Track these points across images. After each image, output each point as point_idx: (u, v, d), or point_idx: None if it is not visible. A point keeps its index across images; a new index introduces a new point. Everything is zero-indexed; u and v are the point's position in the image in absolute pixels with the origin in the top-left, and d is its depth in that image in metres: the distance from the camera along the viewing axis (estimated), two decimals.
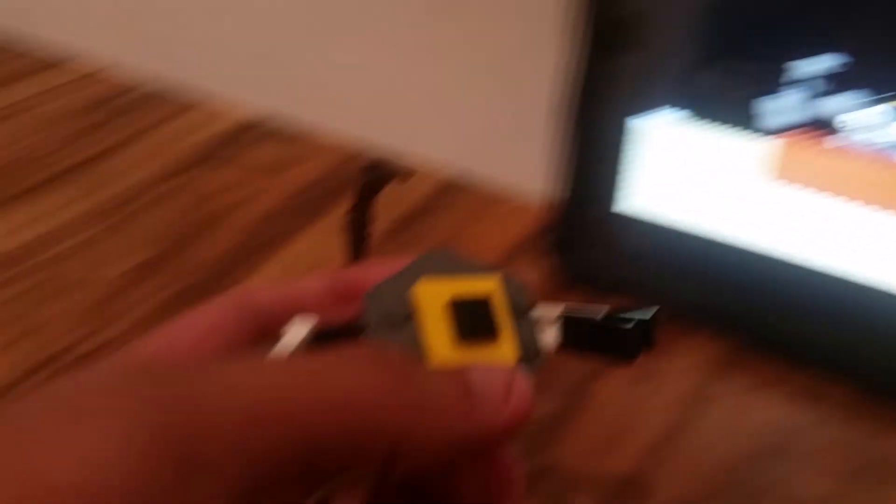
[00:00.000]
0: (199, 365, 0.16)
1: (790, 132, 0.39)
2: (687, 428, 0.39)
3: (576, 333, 0.23)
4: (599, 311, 0.24)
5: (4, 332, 0.43)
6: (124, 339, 0.42)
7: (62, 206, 0.53)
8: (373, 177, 0.28)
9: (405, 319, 0.21)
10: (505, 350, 0.21)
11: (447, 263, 0.22)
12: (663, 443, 0.38)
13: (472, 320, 0.21)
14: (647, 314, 0.23)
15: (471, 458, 0.20)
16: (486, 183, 0.56)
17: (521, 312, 0.22)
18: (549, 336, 0.24)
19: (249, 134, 0.61)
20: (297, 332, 0.21)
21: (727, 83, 0.40)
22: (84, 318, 0.44)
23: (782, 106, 0.38)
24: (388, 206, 0.53)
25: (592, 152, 0.44)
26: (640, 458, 0.37)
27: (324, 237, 0.51)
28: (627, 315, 0.23)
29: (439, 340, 0.21)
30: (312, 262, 0.49)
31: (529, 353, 0.22)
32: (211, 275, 0.47)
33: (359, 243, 0.30)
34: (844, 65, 0.37)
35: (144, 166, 0.57)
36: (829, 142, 0.38)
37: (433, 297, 0.21)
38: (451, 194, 0.56)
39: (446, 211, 0.54)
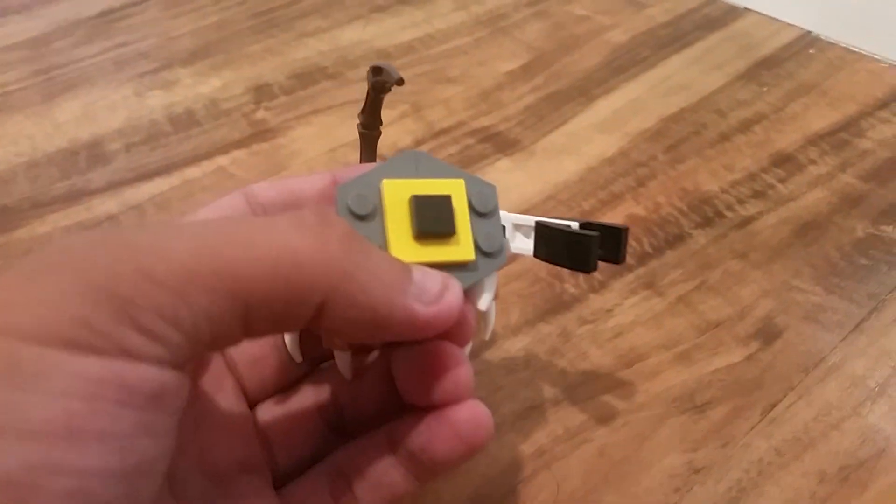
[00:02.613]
0: (141, 229, 0.17)
1: None
2: None
3: (547, 241, 0.25)
4: (571, 223, 0.25)
5: (397, 106, 0.50)
6: (506, 125, 0.48)
7: (444, 14, 0.60)
8: (379, 79, 0.28)
9: (371, 213, 0.22)
10: (462, 247, 0.22)
11: (420, 164, 0.23)
12: None
13: (431, 216, 0.22)
14: (615, 228, 0.25)
15: (402, 342, 0.22)
16: (847, 43, 0.56)
17: (483, 213, 0.23)
18: (523, 242, 0.25)
19: None
20: None
21: None
22: (472, 102, 0.50)
23: None
24: (745, 51, 0.55)
25: None
26: None
27: (683, 65, 0.54)
28: (595, 228, 0.25)
29: (399, 234, 0.22)
30: (674, 84, 0.52)
31: (487, 252, 0.23)
32: (576, 84, 0.52)
33: (369, 144, 0.30)
34: None
35: None
36: None
37: (397, 194, 0.22)
38: (811, 46, 0.56)
39: (805, 60, 0.55)
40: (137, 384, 0.16)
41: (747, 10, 0.60)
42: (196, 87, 0.51)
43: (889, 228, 0.40)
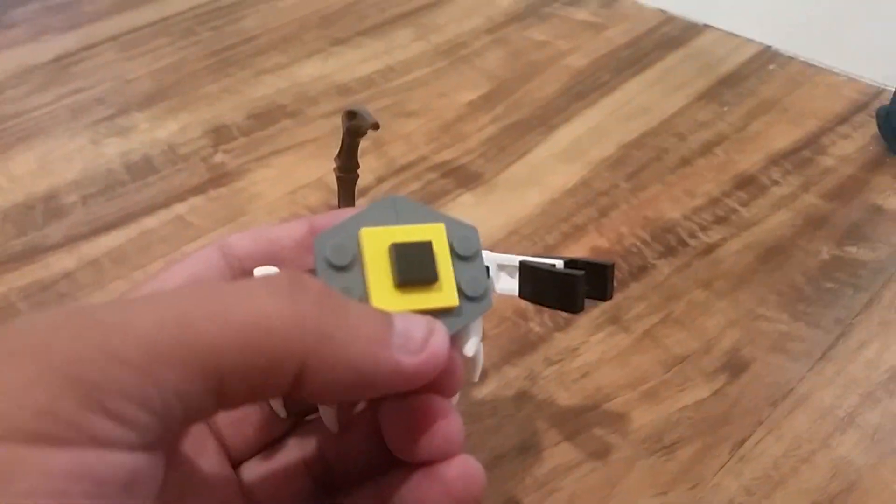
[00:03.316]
0: (105, 304, 0.17)
1: None
2: None
3: (532, 281, 0.24)
4: (556, 261, 0.25)
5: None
6: (468, 158, 0.48)
7: (404, 45, 0.60)
8: (354, 123, 0.28)
9: (350, 263, 0.21)
10: (445, 293, 0.22)
11: (399, 210, 0.22)
12: None
13: (412, 263, 0.21)
14: (600, 265, 0.24)
15: (388, 395, 0.21)
16: (806, 57, 0.56)
17: (466, 257, 0.22)
18: (507, 283, 0.25)
19: None
20: None
21: None
22: (433, 135, 0.50)
23: None
24: (705, 70, 0.55)
25: None
26: None
27: (643, 87, 0.53)
28: (581, 266, 0.24)
29: (380, 283, 0.21)
30: (634, 108, 0.51)
31: (471, 296, 0.22)
32: (537, 113, 0.51)
33: (347, 188, 0.30)
34: None
35: (472, 18, 0.62)
36: None
37: (376, 242, 0.21)
38: (771, 62, 0.56)
39: (765, 77, 0.55)
40: (108, 474, 0.15)
41: (707, 26, 0.60)
42: (153, 132, 0.51)
43: (853, 249, 0.40)
